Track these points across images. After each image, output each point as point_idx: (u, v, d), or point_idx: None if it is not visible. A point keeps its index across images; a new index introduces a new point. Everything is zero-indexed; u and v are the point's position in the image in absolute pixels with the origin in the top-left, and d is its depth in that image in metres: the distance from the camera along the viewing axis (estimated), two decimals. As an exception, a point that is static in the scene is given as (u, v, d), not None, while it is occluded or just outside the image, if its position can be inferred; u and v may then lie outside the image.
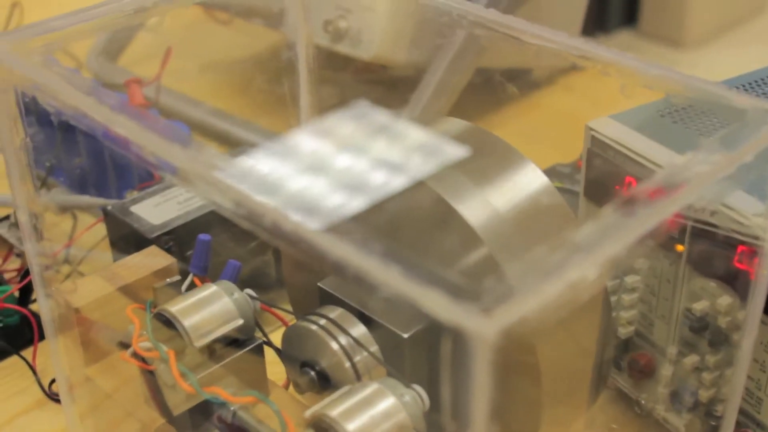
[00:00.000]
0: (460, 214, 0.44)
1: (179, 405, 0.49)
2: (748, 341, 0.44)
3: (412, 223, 0.46)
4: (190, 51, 0.95)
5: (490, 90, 0.83)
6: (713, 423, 0.51)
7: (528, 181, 0.47)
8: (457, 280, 0.30)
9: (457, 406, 0.31)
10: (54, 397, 0.60)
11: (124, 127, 0.39)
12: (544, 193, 0.47)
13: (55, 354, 0.54)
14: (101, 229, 0.69)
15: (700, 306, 0.50)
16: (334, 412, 0.40)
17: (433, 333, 0.45)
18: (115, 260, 0.61)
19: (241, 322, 0.47)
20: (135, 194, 0.62)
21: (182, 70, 0.88)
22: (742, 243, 0.47)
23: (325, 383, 0.46)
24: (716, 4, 1.06)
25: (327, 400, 0.42)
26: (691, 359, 0.51)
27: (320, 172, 0.40)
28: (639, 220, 0.33)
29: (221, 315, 0.47)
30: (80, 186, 0.74)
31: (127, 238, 0.59)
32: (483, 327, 0.28)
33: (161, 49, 0.79)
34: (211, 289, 0.48)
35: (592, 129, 0.54)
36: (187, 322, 0.46)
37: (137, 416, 0.52)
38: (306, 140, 0.43)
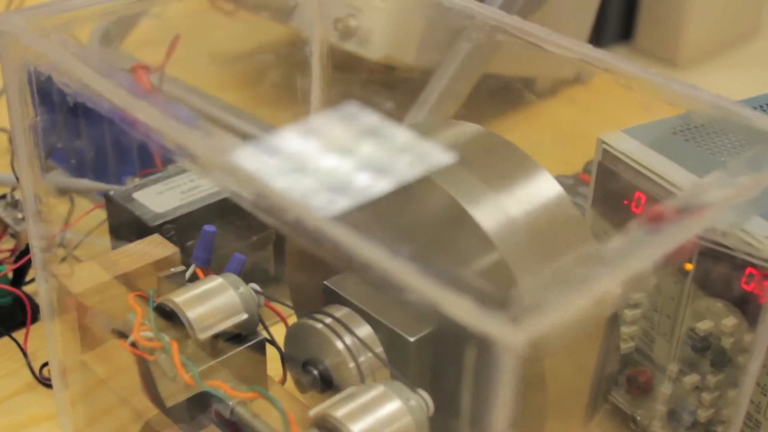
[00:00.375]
0: (472, 218, 0.44)
1: (175, 396, 0.49)
2: (755, 364, 0.44)
3: (423, 225, 0.46)
4: (191, 40, 0.94)
5: (499, 96, 0.83)
6: (712, 444, 0.51)
7: (543, 189, 0.47)
8: (485, 288, 0.30)
9: (476, 413, 0.30)
10: (44, 382, 0.59)
11: (144, 113, 0.39)
12: (559, 202, 0.46)
13: (50, 338, 0.53)
14: (98, 215, 0.68)
15: (704, 326, 0.50)
16: (339, 413, 0.40)
17: (440, 338, 0.45)
18: (113, 247, 0.61)
19: (245, 316, 0.47)
20: (137, 181, 0.62)
21: (183, 59, 0.87)
22: (752, 265, 0.47)
23: (327, 383, 0.46)
24: (711, 26, 1.07)
25: (331, 400, 0.41)
26: (692, 378, 0.51)
27: (326, 170, 0.39)
28: (664, 239, 0.33)
29: (226, 308, 0.46)
30: (78, 170, 0.74)
31: (128, 225, 0.58)
32: (512, 337, 0.28)
33: (161, 36, 0.78)
34: (217, 281, 0.47)
35: (604, 142, 0.54)
36: (191, 313, 0.45)
37: (130, 404, 0.51)
38: (305, 136, 0.43)
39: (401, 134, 0.43)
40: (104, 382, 0.52)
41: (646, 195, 0.52)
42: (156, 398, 0.49)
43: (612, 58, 0.47)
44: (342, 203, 0.36)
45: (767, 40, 1.14)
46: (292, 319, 0.53)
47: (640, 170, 0.52)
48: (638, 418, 0.55)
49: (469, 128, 0.51)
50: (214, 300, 0.46)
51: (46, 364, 0.60)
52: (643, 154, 0.53)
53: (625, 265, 0.31)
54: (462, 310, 0.29)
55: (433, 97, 0.76)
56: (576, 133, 0.86)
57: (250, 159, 0.38)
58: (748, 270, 0.48)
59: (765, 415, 0.49)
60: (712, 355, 0.50)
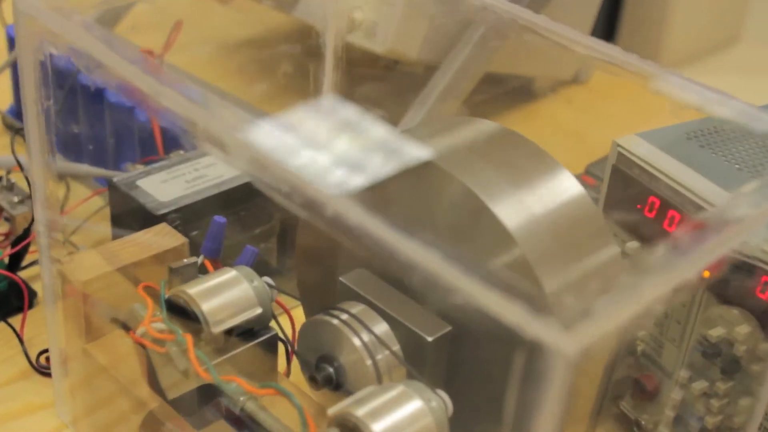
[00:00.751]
0: (494, 214, 0.43)
1: (177, 388, 0.48)
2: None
3: (443, 221, 0.45)
4: (187, 26, 0.93)
5: (498, 95, 0.83)
6: (721, 451, 0.50)
7: (564, 187, 0.46)
8: (533, 292, 0.29)
9: (517, 418, 0.30)
10: (41, 370, 0.58)
11: (172, 100, 0.38)
12: (581, 201, 0.46)
13: (52, 325, 0.52)
14: (94, 200, 0.67)
15: (716, 333, 0.50)
16: (360, 412, 0.39)
17: (460, 339, 0.44)
18: (114, 234, 0.59)
19: (259, 311, 0.46)
20: (140, 168, 0.61)
21: (177, 45, 0.86)
22: (768, 274, 0.47)
23: (342, 380, 0.45)
24: (694, 30, 1.07)
25: (351, 399, 0.40)
26: (700, 384, 0.51)
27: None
28: (706, 251, 0.33)
29: (240, 302, 0.46)
30: (75, 155, 0.72)
31: (131, 213, 0.57)
32: (565, 343, 0.28)
33: (153, 21, 0.77)
34: (231, 273, 0.47)
35: (619, 146, 0.54)
36: (206, 306, 0.45)
37: (132, 394, 0.50)
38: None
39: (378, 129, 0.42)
40: (106, 371, 0.51)
41: (660, 200, 0.52)
42: (159, 390, 0.49)
43: (637, 59, 0.47)
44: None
45: (749, 46, 1.14)
46: (296, 312, 0.52)
47: (655, 174, 0.52)
48: (642, 422, 0.55)
49: (487, 125, 0.50)
50: (228, 293, 0.46)
51: (42, 352, 0.58)
52: (658, 159, 0.53)
53: (671, 274, 0.31)
54: (514, 314, 0.28)
55: (436, 93, 0.75)
56: (575, 134, 0.86)
57: (266, 137, 0.37)
58: (764, 278, 0.48)
59: (774, 423, 0.49)
60: (723, 363, 0.50)
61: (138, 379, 0.49)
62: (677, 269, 0.31)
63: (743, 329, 0.49)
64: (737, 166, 0.53)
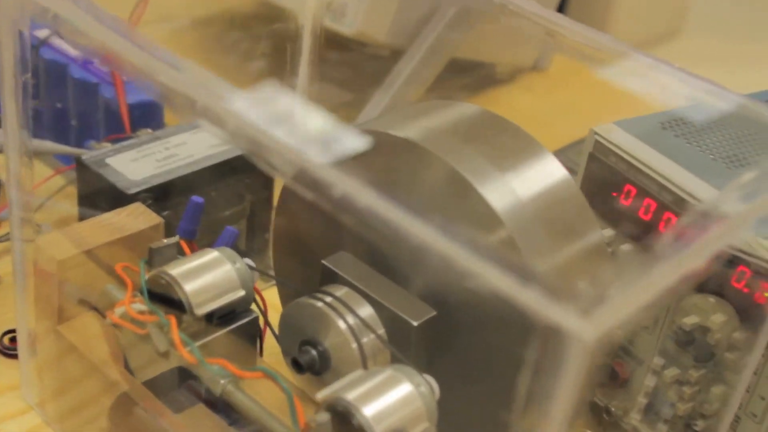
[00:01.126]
0: (480, 194, 0.43)
1: (156, 370, 0.47)
2: (752, 364, 0.45)
3: (427, 199, 0.45)
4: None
5: (459, 81, 0.83)
6: (693, 437, 0.51)
7: (548, 170, 0.46)
8: (551, 278, 0.29)
9: (528, 403, 0.30)
10: (5, 351, 0.57)
11: (164, 74, 0.37)
12: (565, 184, 0.46)
13: (21, 305, 0.51)
14: (56, 180, 0.66)
15: (690, 321, 0.50)
16: (351, 396, 0.39)
17: (446, 323, 0.44)
18: (81, 213, 0.58)
19: (242, 293, 0.45)
20: (106, 146, 0.59)
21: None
22: (744, 263, 0.48)
23: (326, 365, 0.45)
24: (636, 22, 1.08)
25: (340, 383, 0.40)
26: (672, 372, 0.52)
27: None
28: (714, 237, 0.33)
29: (223, 284, 0.45)
30: (34, 132, 0.71)
31: (101, 192, 0.56)
32: (583, 330, 0.28)
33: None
34: (213, 254, 0.46)
35: (596, 133, 0.54)
36: (189, 287, 0.44)
37: (102, 376, 0.49)
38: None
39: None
40: (77, 352, 0.50)
41: (637, 188, 0.53)
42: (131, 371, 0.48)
43: (619, 43, 0.47)
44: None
45: (691, 39, 1.16)
46: (268, 293, 0.51)
47: (633, 163, 0.53)
48: (612, 409, 0.55)
49: (469, 108, 0.50)
50: (211, 274, 0.45)
51: (6, 333, 0.57)
52: (636, 147, 0.53)
53: (682, 261, 0.31)
54: (531, 299, 0.28)
55: (401, 80, 0.75)
56: (532, 121, 0.86)
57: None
58: (740, 268, 0.48)
59: (745, 411, 0.50)
60: (696, 350, 0.51)
61: (110, 361, 0.48)
62: (686, 257, 0.31)
63: (718, 318, 0.49)
64: (711, 156, 0.54)
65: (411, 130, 0.46)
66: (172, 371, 0.47)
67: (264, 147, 0.34)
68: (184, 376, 0.47)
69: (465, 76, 0.86)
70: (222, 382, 0.44)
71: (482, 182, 0.44)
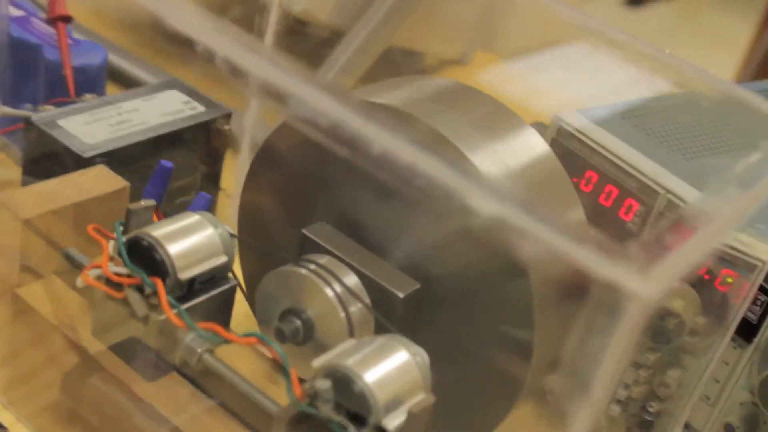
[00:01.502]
0: (470, 160, 0.43)
1: (120, 335, 0.45)
2: (719, 349, 0.46)
3: None
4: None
5: (389, 68, 0.83)
6: (648, 418, 0.52)
7: (532, 142, 0.47)
8: (604, 238, 0.29)
9: (577, 363, 0.30)
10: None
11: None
12: (547, 156, 0.47)
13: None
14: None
15: (649, 304, 0.52)
16: (350, 361, 0.38)
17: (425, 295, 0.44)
18: (25, 178, 0.56)
19: (225, 259, 0.44)
20: (49, 109, 0.57)
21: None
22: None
23: (310, 334, 0.44)
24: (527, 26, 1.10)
25: (334, 351, 0.39)
26: (627, 355, 0.53)
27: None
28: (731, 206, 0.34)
29: (206, 248, 0.44)
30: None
31: (54, 155, 0.53)
32: (642, 288, 0.28)
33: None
34: (194, 217, 0.44)
35: (560, 119, 0.55)
36: (173, 250, 0.42)
37: (61, 342, 0.47)
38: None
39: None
40: (27, 317, 0.48)
41: (599, 174, 0.54)
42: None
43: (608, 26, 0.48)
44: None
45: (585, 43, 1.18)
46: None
47: (596, 149, 0.54)
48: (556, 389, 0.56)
49: (447, 81, 0.50)
50: (194, 238, 0.43)
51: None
52: (599, 134, 0.54)
53: (718, 231, 0.32)
54: (590, 260, 0.29)
55: (341, 61, 0.74)
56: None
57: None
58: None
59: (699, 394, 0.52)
60: (653, 334, 0.52)
61: (74, 326, 0.46)
62: (719, 226, 0.32)
63: (677, 303, 0.51)
64: (669, 146, 0.56)
65: (391, 99, 0.46)
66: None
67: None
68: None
69: (394, 65, 0.87)
70: (199, 350, 0.43)
71: (473, 150, 0.44)
